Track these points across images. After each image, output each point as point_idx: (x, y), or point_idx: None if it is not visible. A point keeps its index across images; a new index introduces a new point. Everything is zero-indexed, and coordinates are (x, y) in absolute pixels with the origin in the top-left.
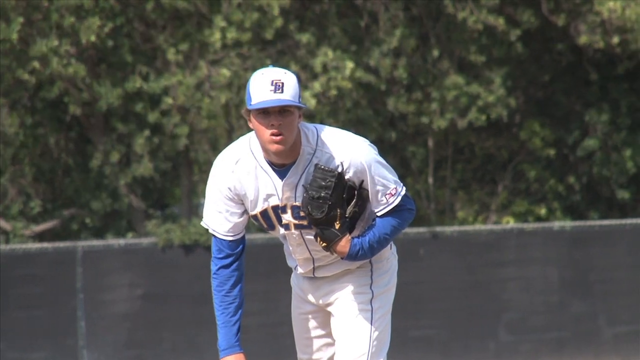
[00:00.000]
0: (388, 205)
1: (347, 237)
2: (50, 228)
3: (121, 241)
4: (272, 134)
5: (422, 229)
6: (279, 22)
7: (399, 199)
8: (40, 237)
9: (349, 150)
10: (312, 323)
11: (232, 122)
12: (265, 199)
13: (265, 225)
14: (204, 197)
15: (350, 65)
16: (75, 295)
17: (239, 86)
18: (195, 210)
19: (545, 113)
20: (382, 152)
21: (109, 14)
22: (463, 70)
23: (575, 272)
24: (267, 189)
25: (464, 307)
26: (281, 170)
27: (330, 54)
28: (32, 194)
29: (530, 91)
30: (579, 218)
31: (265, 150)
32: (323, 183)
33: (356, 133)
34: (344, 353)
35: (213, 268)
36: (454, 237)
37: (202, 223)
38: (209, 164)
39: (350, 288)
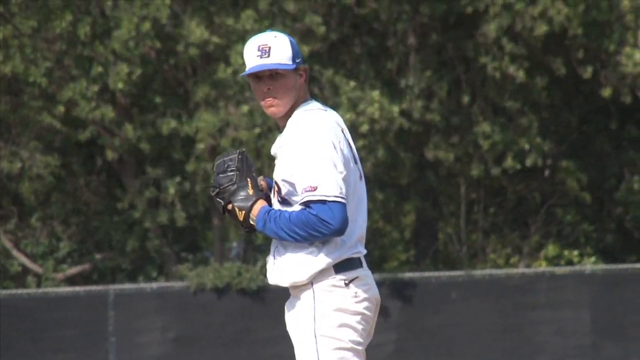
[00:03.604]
0: (302, 199)
1: (262, 201)
2: (81, 271)
3: (153, 285)
4: (265, 99)
5: (454, 272)
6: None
7: (312, 197)
8: (71, 280)
9: (293, 132)
10: None
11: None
12: None
13: None
14: (235, 240)
15: (375, 95)
16: (107, 338)
17: (267, 127)
18: (227, 253)
19: (578, 156)
20: (417, 195)
21: (141, 61)
22: (496, 116)
23: (608, 316)
24: None
25: (497, 350)
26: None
27: (352, 84)
28: (63, 237)
29: (562, 134)
30: (611, 262)
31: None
32: (224, 168)
33: (390, 176)
34: None
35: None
36: (486, 280)
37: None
38: None
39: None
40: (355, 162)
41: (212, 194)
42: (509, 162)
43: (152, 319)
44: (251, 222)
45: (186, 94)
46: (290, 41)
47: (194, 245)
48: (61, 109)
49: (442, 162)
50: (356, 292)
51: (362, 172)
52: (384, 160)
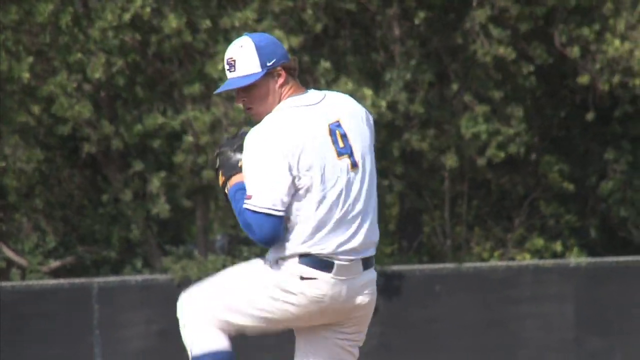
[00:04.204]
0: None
1: (242, 176)
2: (66, 264)
3: (137, 277)
4: (245, 109)
5: (438, 266)
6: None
7: (246, 206)
8: (56, 273)
9: (248, 137)
10: None
11: None
12: None
13: None
14: (219, 233)
15: (369, 93)
16: (92, 331)
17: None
18: (211, 246)
19: (562, 151)
20: (401, 188)
21: (120, 51)
22: (481, 105)
23: (592, 309)
24: None
25: (480, 344)
26: None
27: (349, 84)
28: (47, 230)
29: (546, 128)
30: (594, 255)
31: None
32: (236, 137)
33: (378, 169)
34: None
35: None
36: (470, 273)
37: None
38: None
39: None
40: (341, 155)
41: (214, 154)
42: (492, 150)
43: (136, 312)
44: (226, 190)
45: (171, 87)
46: (258, 46)
47: (178, 238)
48: (36, 109)
49: (424, 154)
50: (303, 291)
51: (356, 161)
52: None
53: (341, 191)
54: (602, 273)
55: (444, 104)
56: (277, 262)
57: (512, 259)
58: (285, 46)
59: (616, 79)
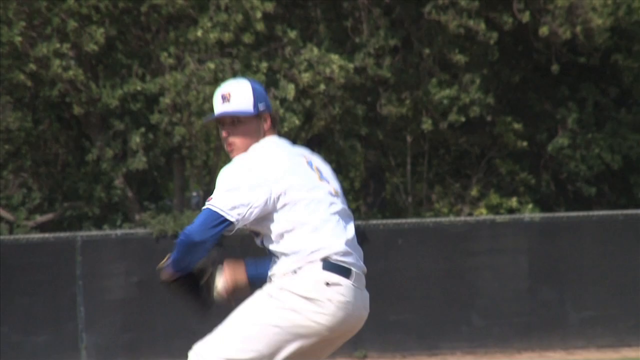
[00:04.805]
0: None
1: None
2: (51, 219)
3: (118, 231)
4: (226, 144)
5: (400, 220)
6: (260, 26)
7: (206, 205)
8: (42, 227)
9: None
10: None
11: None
12: None
13: None
14: (195, 190)
15: (335, 57)
16: (75, 282)
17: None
18: (187, 202)
19: (517, 113)
20: (366, 148)
21: (106, 21)
22: (443, 72)
23: (544, 261)
24: None
25: (440, 293)
26: None
27: (315, 50)
28: (33, 187)
29: (502, 92)
30: (547, 211)
31: None
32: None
33: (344, 130)
34: None
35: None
36: (431, 227)
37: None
38: (203, 159)
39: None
40: (322, 180)
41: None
42: (453, 115)
43: (117, 264)
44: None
45: (148, 53)
46: (253, 88)
47: (156, 195)
48: (32, 66)
49: (388, 117)
50: (330, 297)
51: (337, 189)
52: (341, 113)
53: (330, 204)
54: (554, 227)
55: (408, 70)
56: (295, 272)
57: (470, 214)
58: (259, 13)
59: (578, 28)
